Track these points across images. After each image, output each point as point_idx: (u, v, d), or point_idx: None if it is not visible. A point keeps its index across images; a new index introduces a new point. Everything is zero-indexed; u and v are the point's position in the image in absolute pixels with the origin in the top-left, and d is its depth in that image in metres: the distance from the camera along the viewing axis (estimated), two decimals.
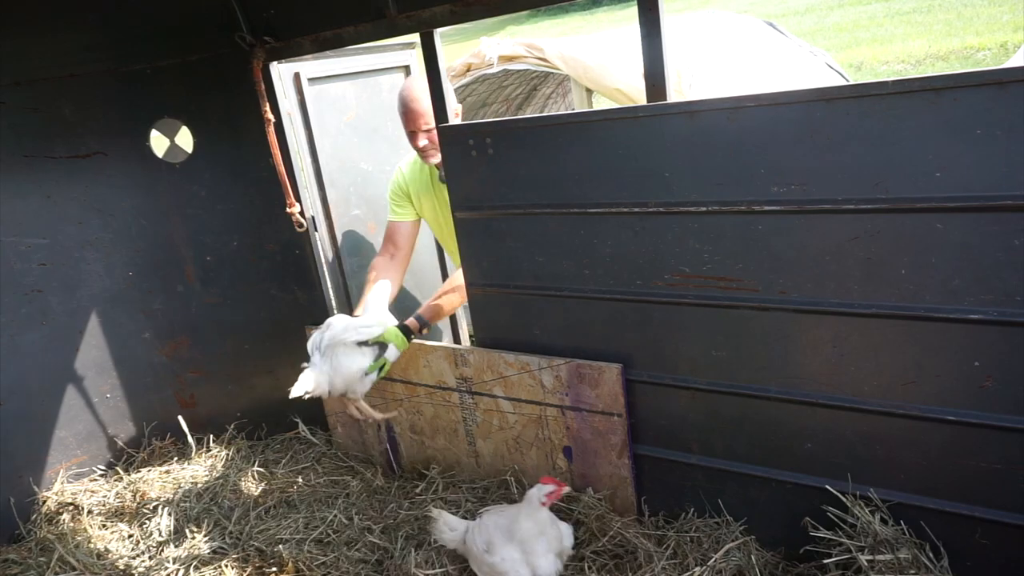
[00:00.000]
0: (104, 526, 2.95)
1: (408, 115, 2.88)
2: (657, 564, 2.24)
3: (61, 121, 3.02)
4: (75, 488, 3.18)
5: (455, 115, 2.72)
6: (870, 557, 1.96)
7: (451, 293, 2.97)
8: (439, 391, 2.82)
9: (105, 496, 3.11)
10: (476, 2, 2.30)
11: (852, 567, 2.00)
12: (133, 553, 2.78)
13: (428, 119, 2.81)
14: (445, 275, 3.81)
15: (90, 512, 3.02)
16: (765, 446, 2.25)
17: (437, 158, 2.89)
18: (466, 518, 2.47)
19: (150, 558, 2.74)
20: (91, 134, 3.07)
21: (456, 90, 6.81)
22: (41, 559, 2.77)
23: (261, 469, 3.16)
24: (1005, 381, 1.84)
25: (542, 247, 2.45)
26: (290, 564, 2.53)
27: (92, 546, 2.81)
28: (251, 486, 3.07)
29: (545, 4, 2.33)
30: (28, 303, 3.05)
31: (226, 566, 2.61)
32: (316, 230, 3.22)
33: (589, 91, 5.82)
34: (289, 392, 2.52)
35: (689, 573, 2.17)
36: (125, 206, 3.19)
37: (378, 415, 2.79)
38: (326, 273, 3.24)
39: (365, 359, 2.62)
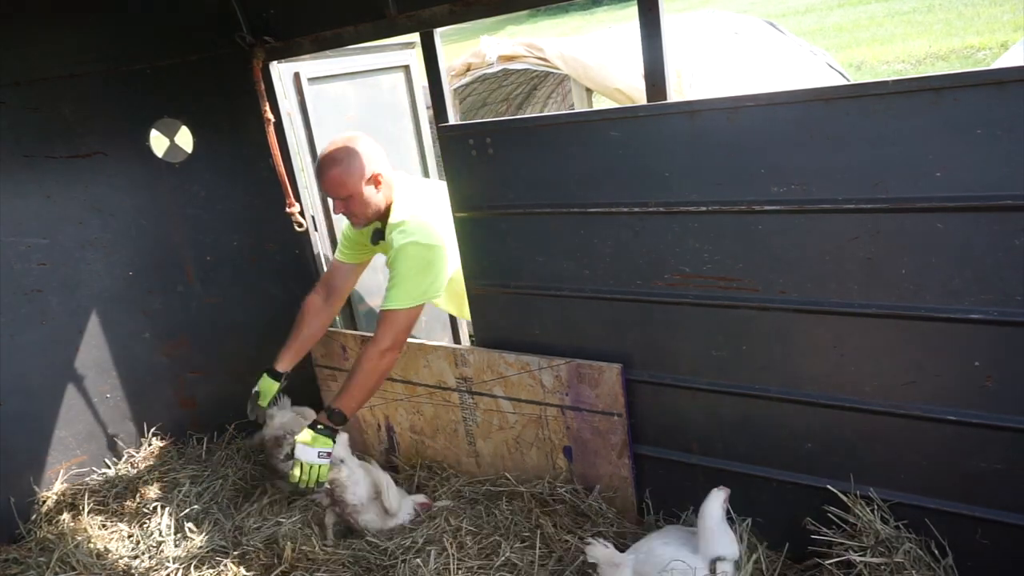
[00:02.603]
0: (104, 526, 2.94)
1: (321, 184, 2.61)
2: None
3: (61, 121, 3.01)
4: (75, 488, 3.17)
5: None
6: (869, 559, 1.96)
7: (358, 374, 2.55)
8: (439, 391, 2.82)
9: (105, 496, 3.11)
10: (476, 2, 2.30)
11: (855, 567, 2.00)
12: (133, 553, 2.78)
13: (338, 190, 2.54)
14: None
15: (90, 512, 3.02)
16: (765, 446, 2.25)
17: (362, 224, 2.66)
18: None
19: (150, 558, 2.74)
20: (91, 134, 3.07)
21: (456, 90, 6.82)
22: (41, 559, 2.77)
23: (261, 468, 3.16)
24: (1005, 381, 1.84)
25: (542, 247, 2.45)
26: (289, 558, 2.52)
27: (92, 546, 2.81)
28: (251, 486, 3.07)
29: (545, 4, 2.34)
30: (28, 303, 3.05)
31: (226, 565, 2.60)
32: (316, 230, 3.21)
33: (589, 91, 5.82)
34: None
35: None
36: (125, 206, 3.19)
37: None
38: None
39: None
